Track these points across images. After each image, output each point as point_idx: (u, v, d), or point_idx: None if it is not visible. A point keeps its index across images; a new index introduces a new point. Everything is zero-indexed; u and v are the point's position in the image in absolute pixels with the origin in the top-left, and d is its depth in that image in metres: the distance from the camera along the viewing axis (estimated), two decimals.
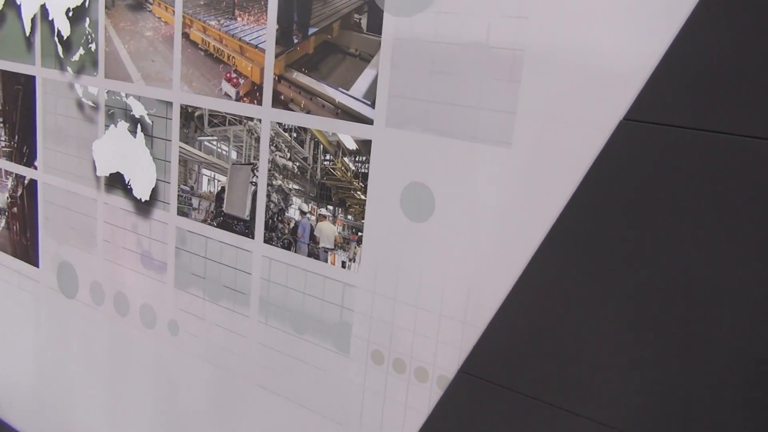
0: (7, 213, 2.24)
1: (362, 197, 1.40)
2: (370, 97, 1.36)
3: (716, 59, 1.00)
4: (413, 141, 1.32)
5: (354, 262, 1.44)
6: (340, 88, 1.40)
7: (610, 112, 1.10)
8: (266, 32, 1.50)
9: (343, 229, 1.45)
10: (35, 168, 2.11)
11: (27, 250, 2.19)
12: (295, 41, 1.46)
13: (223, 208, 1.65)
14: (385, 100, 1.34)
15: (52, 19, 1.95)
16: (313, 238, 1.50)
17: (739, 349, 1.04)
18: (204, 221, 1.70)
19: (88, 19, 1.86)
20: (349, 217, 1.43)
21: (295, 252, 1.53)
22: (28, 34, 2.03)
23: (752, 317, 1.02)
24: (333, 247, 1.47)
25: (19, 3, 2.03)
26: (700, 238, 1.05)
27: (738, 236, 1.02)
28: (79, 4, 1.86)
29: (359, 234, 1.42)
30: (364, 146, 1.39)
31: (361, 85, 1.37)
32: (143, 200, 1.82)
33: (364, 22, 1.35)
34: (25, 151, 2.13)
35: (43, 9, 1.97)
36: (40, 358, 2.25)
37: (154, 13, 1.71)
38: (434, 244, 1.32)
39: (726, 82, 1.00)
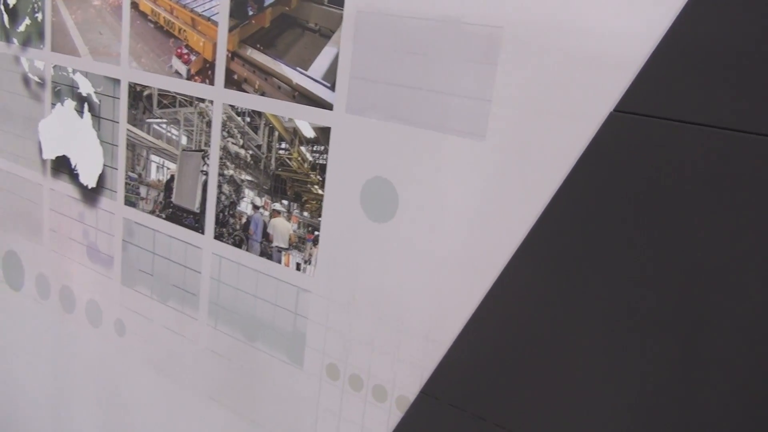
0: None
1: (320, 192, 1.24)
2: (331, 78, 1.19)
3: (717, 47, 0.84)
4: (376, 130, 1.15)
5: (309, 264, 1.28)
6: (297, 68, 1.24)
7: (600, 102, 0.94)
8: (219, 3, 1.33)
9: (299, 227, 1.28)
10: None
11: None
12: (250, 13, 1.29)
13: (172, 199, 1.49)
14: (346, 82, 1.18)
15: None
16: (266, 236, 1.34)
17: (735, 379, 0.88)
18: (152, 212, 1.54)
19: None
20: (305, 213, 1.27)
21: (247, 250, 1.37)
22: None
23: (752, 336, 0.86)
24: (287, 246, 1.31)
25: None
26: (699, 247, 0.89)
27: (738, 239, 0.86)
28: None
29: (316, 233, 1.26)
30: (323, 134, 1.22)
31: (320, 65, 1.21)
32: (89, 187, 1.66)
33: None
34: None
35: None
36: None
37: None
38: (396, 248, 1.16)
39: (727, 73, 0.84)
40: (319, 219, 1.25)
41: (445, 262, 1.11)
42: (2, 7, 1.78)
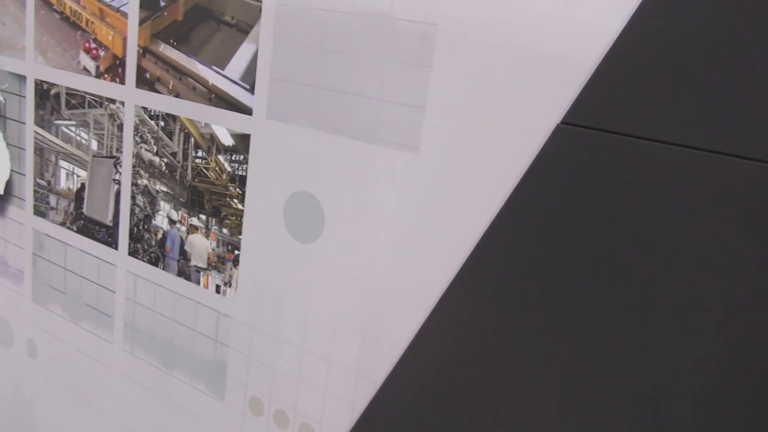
0: None
1: (239, 207, 1.11)
2: (250, 79, 1.06)
3: (672, 57, 0.72)
4: (299, 139, 1.02)
5: (230, 287, 1.14)
6: (213, 67, 1.10)
7: (546, 112, 0.81)
8: None
9: (218, 245, 1.15)
10: None
11: None
12: (162, 4, 1.14)
13: (84, 210, 1.34)
14: (266, 84, 1.04)
15: None
16: (184, 254, 1.20)
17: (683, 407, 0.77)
18: (63, 224, 1.38)
19: None
20: (225, 230, 1.13)
21: (164, 269, 1.23)
22: None
23: (702, 359, 0.75)
24: (206, 266, 1.17)
25: None
26: (650, 265, 0.78)
27: (688, 257, 0.75)
28: None
29: (236, 252, 1.12)
30: (242, 142, 1.09)
31: (238, 64, 1.07)
32: None
33: None
34: None
35: None
36: None
37: None
38: (323, 272, 1.03)
39: (682, 86, 0.72)
40: (240, 237, 1.11)
41: (376, 288, 0.98)
42: None
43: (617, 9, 0.75)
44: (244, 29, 1.05)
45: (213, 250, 1.15)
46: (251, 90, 1.05)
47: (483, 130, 0.86)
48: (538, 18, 0.80)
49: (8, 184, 1.47)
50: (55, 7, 1.30)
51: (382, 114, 0.94)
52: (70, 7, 1.28)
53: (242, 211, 1.10)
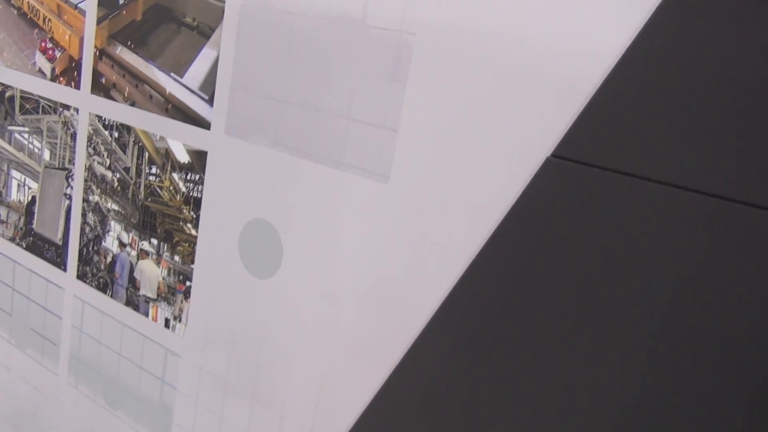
0: None
1: (193, 233, 0.98)
2: (209, 89, 0.93)
3: (673, 92, 0.59)
4: (259, 159, 0.89)
5: (180, 322, 1.01)
6: (171, 74, 0.97)
7: (535, 141, 0.68)
8: None
9: (169, 274, 1.02)
10: None
11: None
12: (121, 2, 1.03)
13: (33, 226, 1.22)
14: (227, 95, 0.91)
15: None
16: (133, 281, 1.07)
17: None
18: (12, 239, 1.26)
19: None
20: (176, 258, 1.00)
21: (112, 296, 1.10)
22: None
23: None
24: (155, 297, 1.04)
25: None
26: (638, 304, 0.64)
27: (676, 297, 0.61)
28: None
29: (188, 284, 0.99)
30: (199, 160, 0.96)
31: (197, 72, 0.95)
32: None
33: None
34: None
35: None
36: None
37: None
38: (279, 312, 0.90)
39: (677, 125, 0.59)
40: (192, 267, 0.98)
41: (337, 334, 0.85)
42: None
43: (620, 29, 0.62)
44: (205, 32, 0.93)
45: (163, 279, 1.02)
46: (210, 101, 0.93)
47: (462, 159, 0.73)
48: (533, 32, 0.67)
49: None
50: (13, 1, 1.19)
51: (350, 135, 0.81)
52: (28, 3, 1.16)
53: (196, 237, 0.97)
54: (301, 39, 0.83)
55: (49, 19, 1.13)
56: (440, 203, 0.75)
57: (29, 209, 1.22)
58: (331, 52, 0.81)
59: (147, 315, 1.05)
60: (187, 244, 0.99)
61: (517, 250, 0.71)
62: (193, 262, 0.98)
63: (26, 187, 1.22)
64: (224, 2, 0.90)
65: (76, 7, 1.09)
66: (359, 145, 0.80)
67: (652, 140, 0.61)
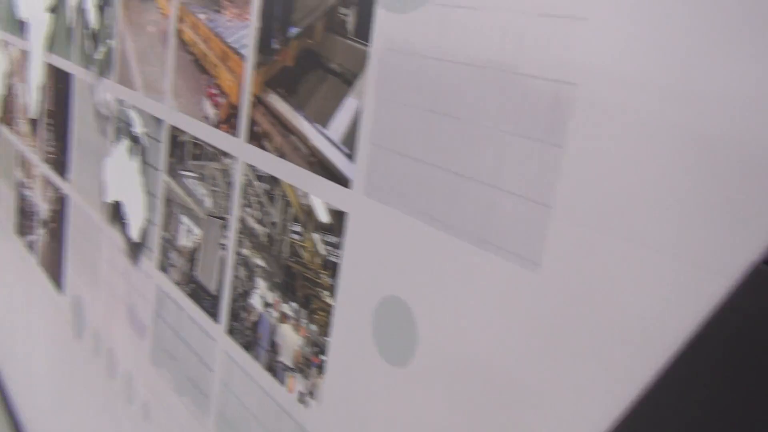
0: (47, 226, 1.97)
1: (330, 302, 0.87)
2: (351, 142, 0.83)
3: None
4: (397, 227, 0.76)
5: (313, 398, 0.91)
6: (316, 124, 0.88)
7: (739, 241, 0.48)
8: (247, 32, 1.02)
9: (306, 344, 0.92)
10: (67, 181, 1.80)
11: (55, 270, 1.91)
12: (275, 47, 0.96)
13: (195, 272, 1.20)
14: (368, 151, 0.80)
15: (85, 8, 1.63)
16: (273, 345, 0.99)
17: None
18: (178, 284, 1.25)
19: (109, 9, 1.50)
20: (313, 326, 0.91)
21: (254, 358, 1.03)
22: (69, 24, 1.73)
23: None
24: (293, 366, 0.95)
25: None
26: None
27: None
28: None
29: (322, 357, 0.89)
30: (338, 221, 0.85)
31: (340, 122, 0.84)
32: (134, 241, 1.42)
33: (351, 21, 0.82)
34: (63, 160, 1.83)
35: None
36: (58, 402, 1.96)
37: (156, 2, 1.30)
38: (415, 407, 0.76)
39: None
40: (327, 339, 0.88)
41: None
42: (86, 32, 1.62)
43: None
44: (348, 79, 0.82)
45: (300, 347, 0.93)
46: (351, 156, 0.82)
47: (633, 252, 0.54)
48: (740, 89, 0.47)
49: (143, 233, 1.38)
50: (188, 47, 1.19)
51: (496, 207, 0.65)
52: (200, 49, 1.15)
53: (331, 307, 0.87)
54: (446, 89, 0.69)
55: (216, 65, 1.11)
56: (601, 307, 0.56)
57: (193, 255, 1.20)
58: (478, 105, 0.66)
59: (283, 383, 0.96)
60: (323, 314, 0.88)
61: (708, 383, 0.51)
62: (327, 335, 0.87)
63: (192, 233, 1.20)
64: (368, 46, 0.79)
65: (237, 52, 1.04)
66: (506, 220, 0.64)
67: None
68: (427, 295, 0.73)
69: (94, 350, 1.65)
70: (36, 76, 1.99)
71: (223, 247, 1.10)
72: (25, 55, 2.09)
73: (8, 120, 2.32)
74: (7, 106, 2.34)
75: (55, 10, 1.81)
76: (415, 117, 0.73)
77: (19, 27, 2.13)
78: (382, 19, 0.77)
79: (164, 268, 1.30)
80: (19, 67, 2.17)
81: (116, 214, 1.50)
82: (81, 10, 1.64)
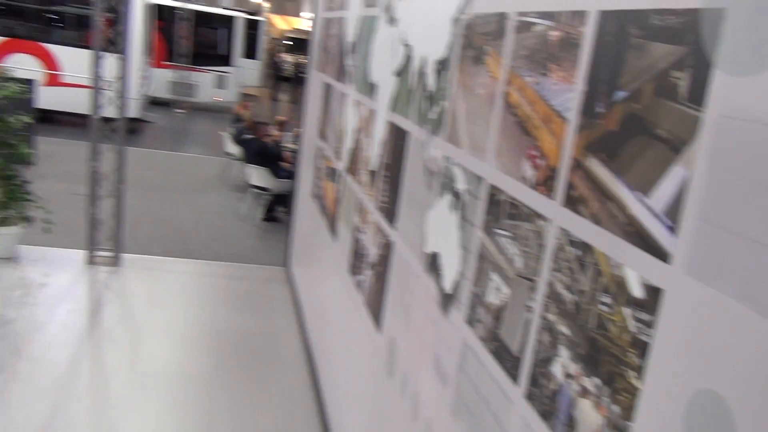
0: (374, 269, 2.15)
1: (637, 384, 0.80)
2: (674, 215, 0.76)
3: None
4: (722, 313, 0.68)
5: None
6: (637, 192, 0.83)
7: None
8: (572, 95, 1.01)
9: (607, 425, 0.86)
10: (395, 229, 1.95)
11: (377, 310, 2.06)
12: (599, 110, 0.93)
13: (500, 331, 1.20)
14: (694, 226, 0.73)
15: (425, 72, 1.76)
16: (571, 420, 0.94)
17: None
18: (482, 340, 1.27)
19: (445, 73, 1.60)
20: (615, 407, 0.84)
21: (550, 429, 0.99)
22: (410, 87, 1.89)
23: None
24: None
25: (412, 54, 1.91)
26: None
27: None
28: (445, 56, 1.62)
29: None
30: (653, 297, 0.79)
31: (664, 193, 0.78)
32: (445, 292, 1.48)
33: (683, 85, 0.77)
34: (393, 209, 1.99)
35: (422, 60, 1.80)
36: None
37: (487, 66, 1.36)
38: None
39: None
40: (630, 424, 0.81)
41: None
42: (424, 93, 1.75)
43: None
44: (677, 147, 0.76)
45: (600, 428, 0.87)
46: (673, 229, 0.76)
47: None
48: None
49: (454, 285, 1.43)
50: (512, 109, 1.21)
51: None
52: (524, 111, 1.17)
53: (638, 390, 0.80)
54: None
55: (538, 127, 1.11)
56: None
57: (499, 313, 1.21)
58: None
59: None
60: (628, 396, 0.82)
61: None
62: (630, 419, 0.80)
63: (500, 291, 1.21)
64: (702, 112, 0.72)
65: (560, 115, 1.04)
66: None
67: None
68: (753, 397, 0.63)
69: (401, 391, 1.74)
70: (379, 132, 2.20)
71: (529, 309, 1.09)
72: (372, 113, 2.34)
73: (353, 170, 2.61)
74: (353, 158, 2.62)
75: (401, 74, 1.99)
76: (755, 193, 0.65)
77: (370, 89, 2.39)
78: (720, 83, 0.70)
79: (471, 322, 1.32)
80: (366, 124, 2.43)
81: (433, 264, 1.57)
82: (422, 74, 1.78)
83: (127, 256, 4.16)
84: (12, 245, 3.94)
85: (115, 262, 4.07)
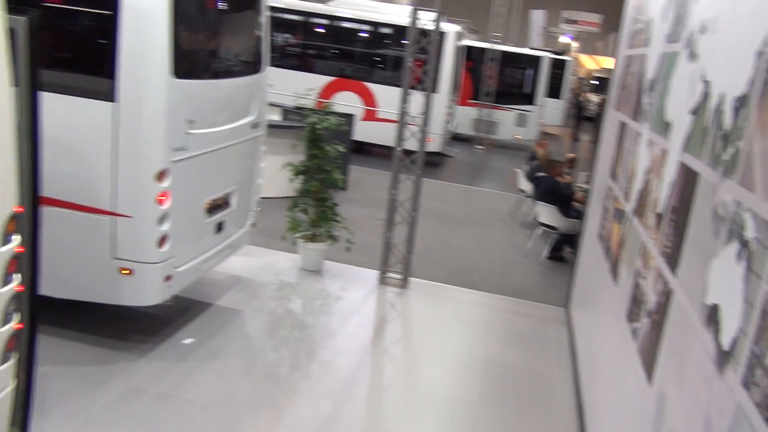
0: (651, 317, 2.02)
1: None
2: None
3: None
4: None
5: None
6: None
7: None
8: None
9: None
10: (676, 276, 1.82)
11: (649, 361, 1.92)
12: None
13: None
14: None
15: (721, 109, 1.63)
16: None
17: None
18: (758, 405, 1.13)
19: (744, 111, 1.47)
20: None
21: None
22: (705, 125, 1.76)
23: None
24: None
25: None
26: None
27: None
28: (744, 92, 1.49)
29: None
30: None
31: None
32: (723, 349, 1.34)
33: None
34: (676, 255, 1.86)
35: (720, 97, 1.67)
36: None
37: None
38: None
39: None
40: None
41: None
42: (718, 132, 1.62)
43: None
44: None
45: None
46: None
47: None
48: None
49: (733, 343, 1.29)
50: None
51: None
52: None
53: None
54: None
55: None
56: None
57: None
58: None
59: None
60: None
61: None
62: None
63: None
64: None
65: None
66: None
67: None
68: None
69: None
70: (669, 173, 2.08)
71: None
72: (664, 153, 2.21)
73: (640, 212, 2.48)
74: (642, 199, 2.50)
75: (697, 112, 1.87)
76: None
77: (665, 128, 2.26)
78: None
79: (747, 384, 1.19)
80: (657, 164, 2.30)
81: (712, 317, 1.44)
82: (719, 112, 1.65)
83: (414, 280, 4.41)
84: (319, 260, 4.41)
85: (403, 284, 4.35)
